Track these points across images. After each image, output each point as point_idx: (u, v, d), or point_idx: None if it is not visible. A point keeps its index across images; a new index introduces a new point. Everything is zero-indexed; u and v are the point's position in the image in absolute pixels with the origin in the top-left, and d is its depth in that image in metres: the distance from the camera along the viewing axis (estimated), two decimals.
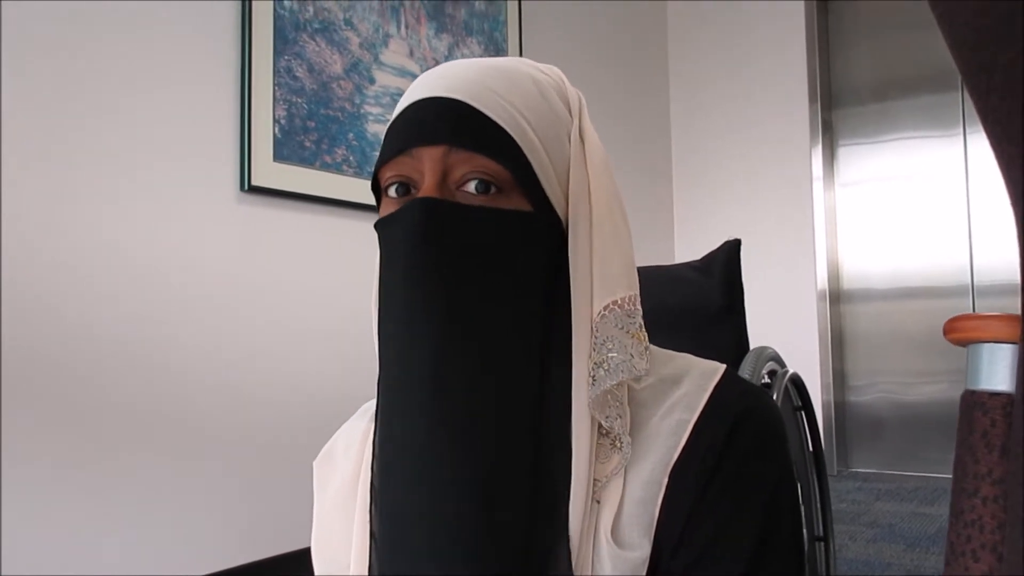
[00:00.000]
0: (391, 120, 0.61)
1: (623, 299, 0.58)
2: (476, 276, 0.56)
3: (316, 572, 0.67)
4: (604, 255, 0.59)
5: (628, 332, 0.58)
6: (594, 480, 0.56)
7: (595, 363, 0.57)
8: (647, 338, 0.60)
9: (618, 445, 0.57)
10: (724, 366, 0.62)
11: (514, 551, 0.54)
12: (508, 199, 0.57)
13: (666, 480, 0.56)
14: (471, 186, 0.56)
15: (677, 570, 0.55)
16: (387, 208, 0.61)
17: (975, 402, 0.47)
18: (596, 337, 0.57)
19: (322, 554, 0.66)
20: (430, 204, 0.56)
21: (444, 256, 0.56)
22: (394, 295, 0.59)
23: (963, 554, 0.46)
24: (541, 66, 0.65)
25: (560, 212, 0.60)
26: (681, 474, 0.56)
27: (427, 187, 0.57)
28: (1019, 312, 0.48)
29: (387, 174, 0.60)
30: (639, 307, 0.59)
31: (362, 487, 0.64)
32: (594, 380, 0.57)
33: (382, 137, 2.31)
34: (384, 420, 0.60)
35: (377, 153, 2.28)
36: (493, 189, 0.57)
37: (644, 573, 0.54)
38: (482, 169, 0.56)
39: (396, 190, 0.59)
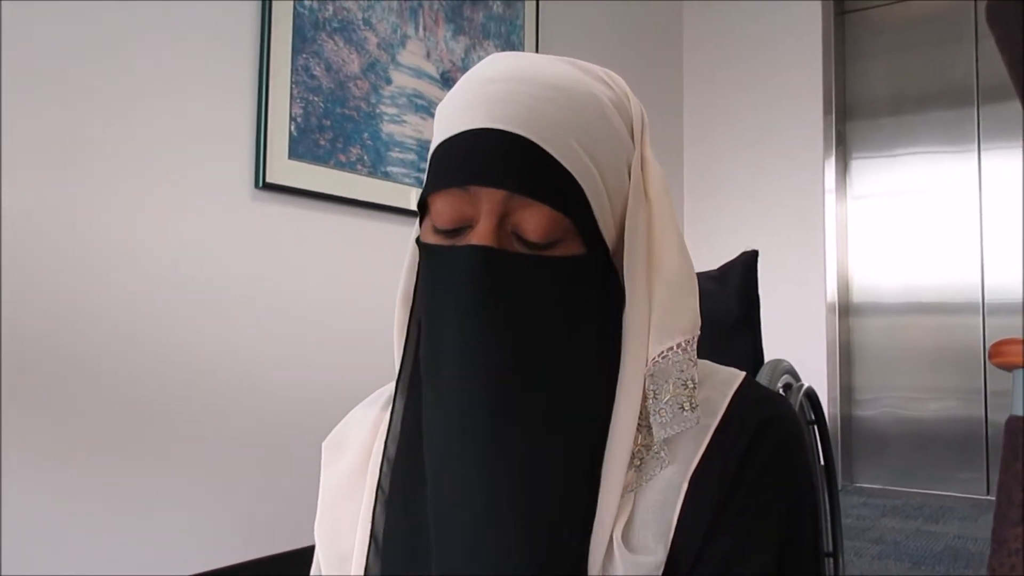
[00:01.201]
0: (443, 137, 0.57)
1: (685, 342, 0.57)
2: (531, 327, 0.55)
3: (318, 554, 0.67)
4: (665, 291, 0.57)
5: (684, 383, 0.56)
6: None
7: (667, 401, 0.56)
8: (697, 375, 0.58)
9: (635, 463, 0.56)
10: (744, 373, 0.62)
11: None
12: (565, 244, 0.55)
13: (686, 486, 0.55)
14: (527, 236, 0.54)
15: None
16: (434, 236, 0.58)
17: (1021, 429, 0.46)
18: (651, 383, 0.56)
19: (326, 538, 0.66)
20: (486, 254, 0.54)
21: (500, 308, 0.54)
22: (445, 336, 0.57)
23: None
24: (604, 74, 0.61)
25: (611, 244, 0.58)
26: (701, 482, 0.55)
27: (483, 232, 0.54)
28: None
29: (439, 205, 0.56)
30: (695, 345, 0.58)
31: (370, 479, 0.64)
32: (661, 421, 0.56)
33: (396, 138, 2.33)
34: (432, 463, 0.58)
35: (391, 153, 2.30)
36: (552, 237, 0.54)
37: None
38: (541, 217, 0.54)
39: (448, 224, 0.56)
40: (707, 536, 0.54)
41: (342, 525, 0.64)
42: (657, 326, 0.57)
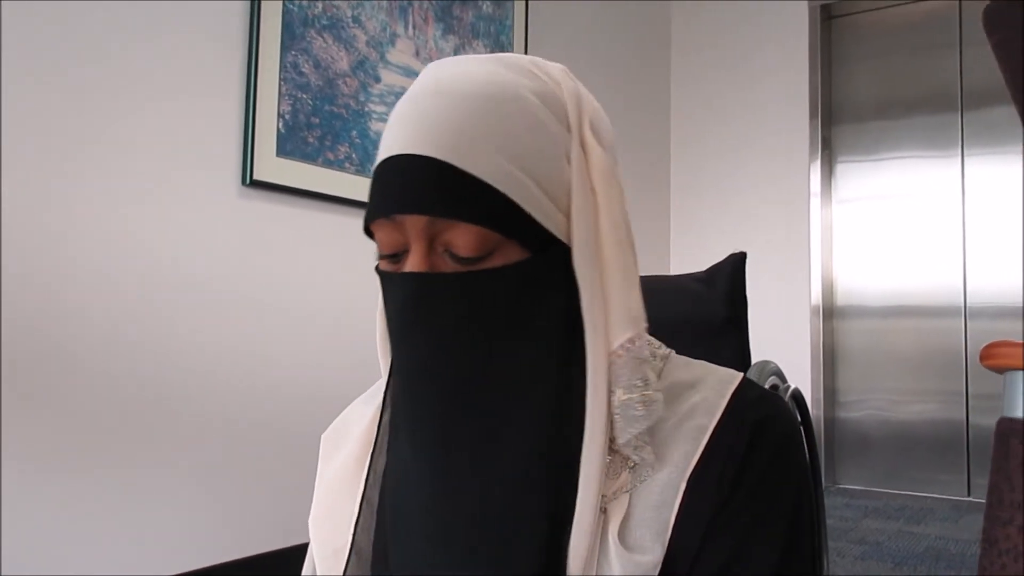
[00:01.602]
0: (377, 160, 0.58)
1: (636, 335, 0.56)
2: (471, 343, 0.56)
3: (312, 548, 0.67)
4: (618, 287, 0.57)
5: (643, 375, 0.56)
6: (602, 496, 0.56)
7: (621, 403, 0.55)
8: (662, 361, 0.59)
9: (630, 465, 0.56)
10: (741, 374, 0.62)
11: None
12: (501, 253, 0.55)
13: (684, 486, 0.55)
14: (458, 251, 0.54)
15: None
16: (381, 262, 0.60)
17: (1012, 430, 0.47)
18: (615, 376, 0.56)
19: (320, 532, 0.66)
20: (414, 280, 0.55)
21: (434, 331, 0.56)
22: (397, 361, 0.60)
23: None
24: (532, 66, 0.60)
25: (565, 237, 0.57)
26: (700, 481, 0.55)
27: (413, 260, 0.55)
28: None
29: (378, 233, 0.58)
30: (649, 342, 0.58)
31: (360, 488, 0.64)
32: (624, 420, 0.55)
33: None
34: (391, 485, 0.61)
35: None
36: (485, 250, 0.54)
37: None
38: (467, 234, 0.54)
39: (386, 250, 0.58)
40: (706, 536, 0.54)
41: (337, 520, 0.64)
42: (615, 319, 0.56)
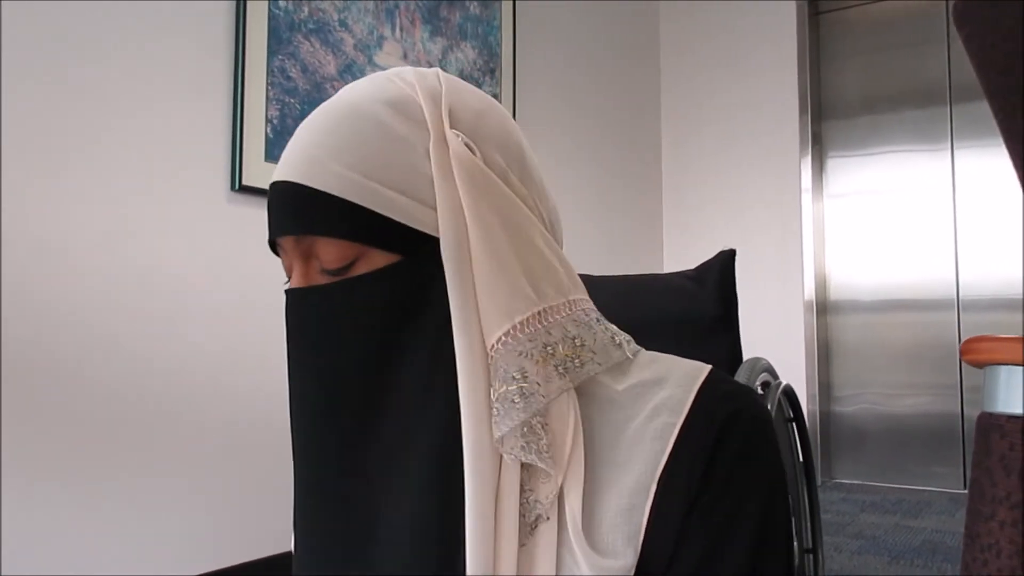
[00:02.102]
0: None
1: (521, 322, 0.55)
2: (343, 351, 0.58)
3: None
4: (488, 279, 0.56)
5: (530, 357, 0.55)
6: (535, 502, 0.54)
7: (497, 397, 0.54)
8: (562, 349, 0.57)
9: (548, 468, 0.55)
10: (709, 367, 0.61)
11: None
12: (369, 260, 0.57)
13: (654, 487, 0.54)
14: (326, 264, 0.58)
15: None
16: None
17: (993, 425, 0.46)
18: (494, 369, 0.55)
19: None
20: (292, 295, 0.60)
21: (308, 340, 0.59)
22: (289, 377, 0.62)
23: None
24: (391, 75, 0.61)
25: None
26: (670, 481, 0.54)
27: (294, 277, 0.60)
28: None
29: (280, 260, 0.63)
30: (546, 323, 0.57)
31: None
32: (498, 415, 0.54)
33: None
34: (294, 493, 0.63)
35: None
36: (347, 260, 0.57)
37: None
38: (327, 246, 0.57)
39: (287, 274, 0.62)
40: (679, 537, 0.54)
41: None
42: (488, 310, 0.56)
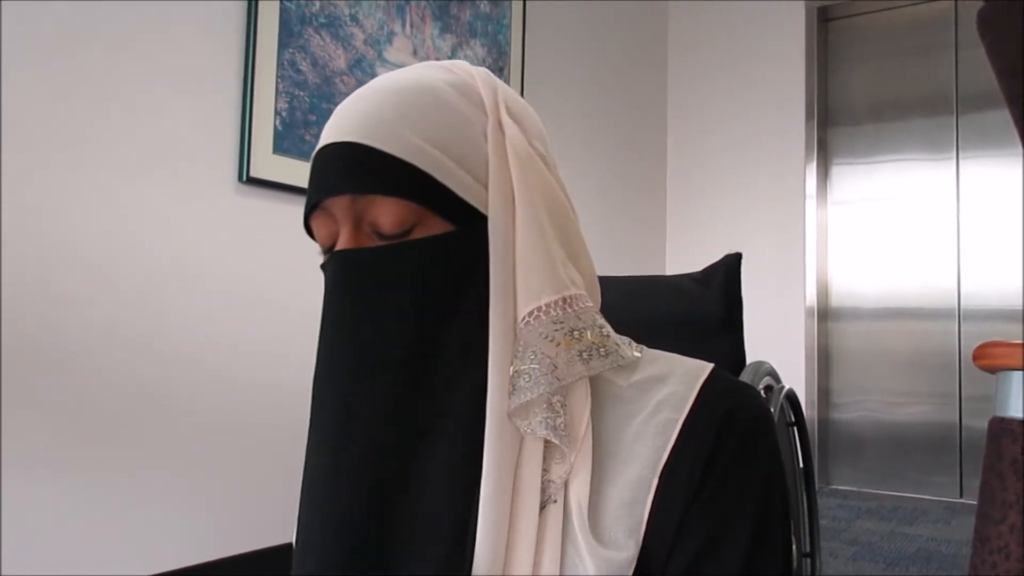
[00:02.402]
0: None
1: (549, 304, 0.57)
2: (393, 314, 0.57)
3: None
4: (527, 257, 0.57)
5: (552, 340, 0.56)
6: (548, 482, 0.55)
7: (515, 372, 0.56)
8: (590, 336, 0.58)
9: (563, 446, 0.56)
10: (712, 365, 0.62)
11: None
12: (423, 227, 0.57)
13: (655, 482, 0.55)
14: (381, 227, 0.57)
15: (675, 574, 0.54)
16: (322, 259, 0.63)
17: (1004, 430, 0.47)
18: (519, 346, 0.56)
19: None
20: (342, 256, 0.58)
21: (360, 304, 0.58)
22: (321, 343, 0.61)
23: None
24: (447, 64, 0.63)
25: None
26: (671, 476, 0.55)
27: (342, 239, 0.59)
28: None
29: (313, 229, 0.62)
30: (575, 308, 0.58)
31: None
32: (514, 390, 0.55)
33: None
34: (305, 458, 0.61)
35: None
36: (406, 224, 0.57)
37: (630, 574, 0.53)
38: (387, 208, 0.57)
39: (324, 243, 0.61)
40: (679, 531, 0.55)
41: None
42: (522, 288, 0.57)
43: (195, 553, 1.84)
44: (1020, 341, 0.49)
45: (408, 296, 0.57)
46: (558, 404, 0.56)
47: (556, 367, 0.56)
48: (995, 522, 0.47)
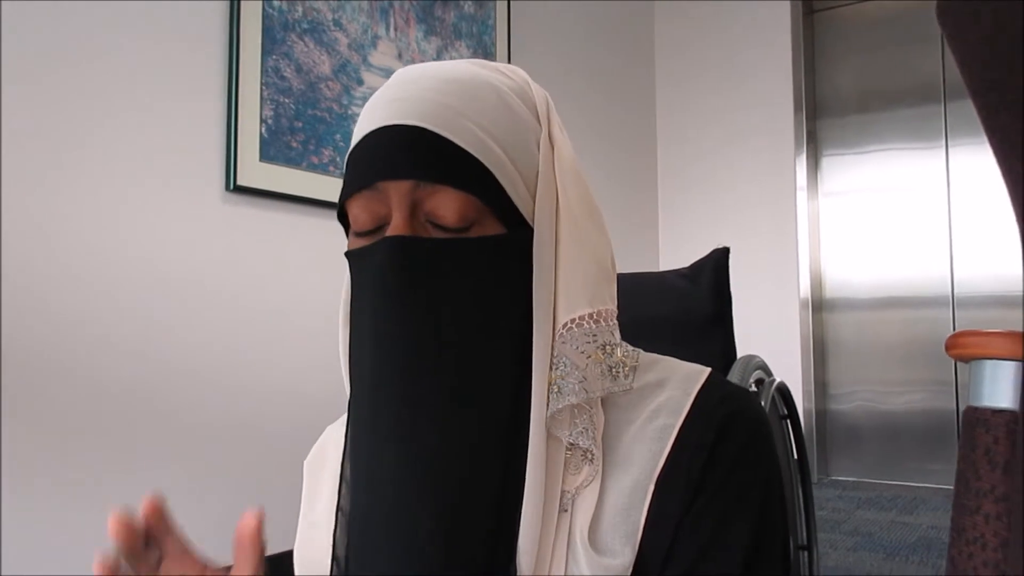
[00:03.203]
0: (352, 145, 0.59)
1: (582, 317, 0.57)
2: (448, 309, 0.56)
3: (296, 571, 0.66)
4: (567, 269, 0.57)
5: (584, 352, 0.56)
6: (563, 492, 0.55)
7: (552, 381, 0.56)
8: (620, 353, 0.58)
9: (588, 457, 0.56)
10: (709, 369, 0.62)
11: (470, 566, 0.54)
12: (480, 225, 0.56)
13: (652, 488, 0.55)
14: (440, 221, 0.55)
15: None
16: (357, 242, 0.59)
17: (978, 419, 0.47)
18: (555, 356, 0.56)
19: (304, 562, 0.65)
20: (399, 243, 0.55)
21: (415, 294, 0.55)
22: (365, 331, 0.58)
23: (965, 572, 0.46)
24: (503, 67, 0.62)
25: (531, 220, 0.59)
26: (667, 482, 0.55)
27: (396, 224, 0.55)
28: (1020, 328, 0.48)
29: (355, 210, 0.58)
30: (608, 323, 0.58)
31: (333, 501, 0.64)
32: (549, 398, 0.56)
33: None
34: (353, 454, 0.59)
35: None
36: (468, 220, 0.55)
37: None
38: (452, 201, 0.55)
39: (365, 225, 0.58)
40: (675, 537, 0.54)
41: (319, 545, 0.64)
42: (562, 299, 0.57)
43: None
44: (993, 330, 0.49)
45: (467, 293, 0.56)
46: (586, 416, 0.56)
47: (586, 379, 0.56)
48: (970, 512, 0.47)
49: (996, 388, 0.47)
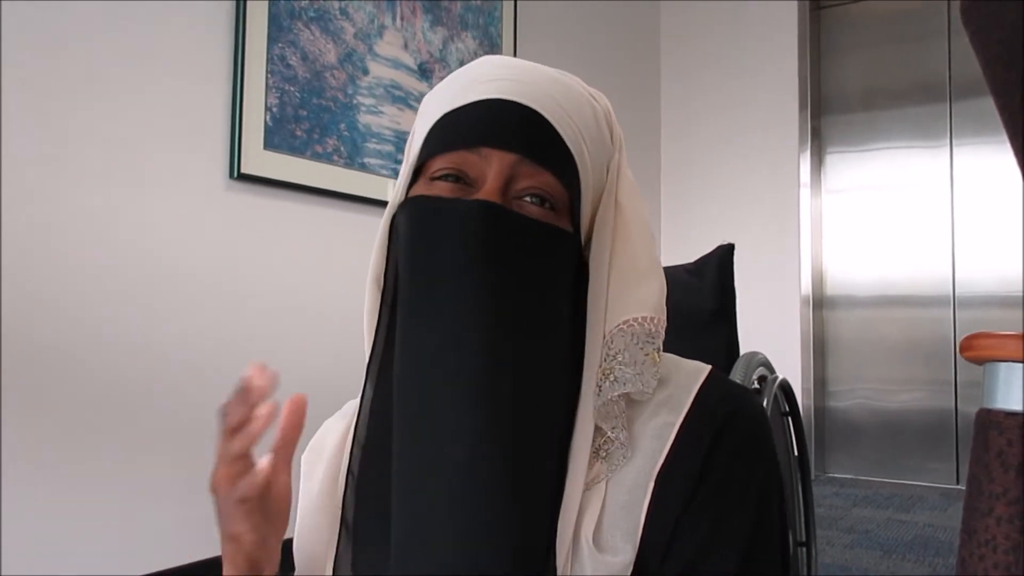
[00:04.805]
0: (444, 112, 0.59)
1: (644, 319, 0.58)
2: (522, 286, 0.56)
3: (296, 567, 0.66)
4: (623, 275, 0.60)
5: (643, 350, 0.58)
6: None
7: (603, 373, 0.57)
8: (661, 361, 0.60)
9: (602, 455, 0.57)
10: (709, 367, 0.62)
11: (536, 569, 0.54)
12: (558, 218, 0.58)
13: (652, 485, 0.55)
14: (532, 199, 0.57)
15: None
16: (429, 189, 0.58)
17: (991, 421, 0.47)
18: (608, 350, 0.58)
19: (303, 550, 0.65)
20: (493, 210, 0.55)
21: (498, 263, 0.55)
22: (433, 288, 0.56)
23: (975, 574, 0.46)
24: (592, 90, 0.65)
25: (583, 234, 0.61)
26: (667, 479, 0.55)
27: (490, 190, 0.56)
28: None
29: (441, 164, 0.58)
30: (662, 332, 0.59)
31: (342, 466, 0.64)
32: (600, 390, 0.57)
33: (373, 129, 2.31)
34: (404, 419, 0.57)
35: (368, 144, 2.28)
36: (549, 206, 0.57)
37: None
38: (546, 186, 0.57)
39: (448, 179, 0.58)
40: (674, 534, 0.55)
41: (315, 541, 0.64)
42: (613, 305, 0.59)
43: (192, 550, 1.84)
44: (1008, 332, 0.49)
45: (544, 275, 0.57)
46: (620, 411, 0.58)
47: (642, 372, 0.57)
48: (982, 514, 0.47)
49: (1010, 391, 0.47)
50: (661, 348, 0.59)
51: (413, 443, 0.56)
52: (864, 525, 2.76)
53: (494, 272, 0.55)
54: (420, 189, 0.59)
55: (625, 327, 0.58)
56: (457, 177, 0.58)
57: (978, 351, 0.49)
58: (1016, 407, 0.47)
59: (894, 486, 3.41)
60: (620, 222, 0.61)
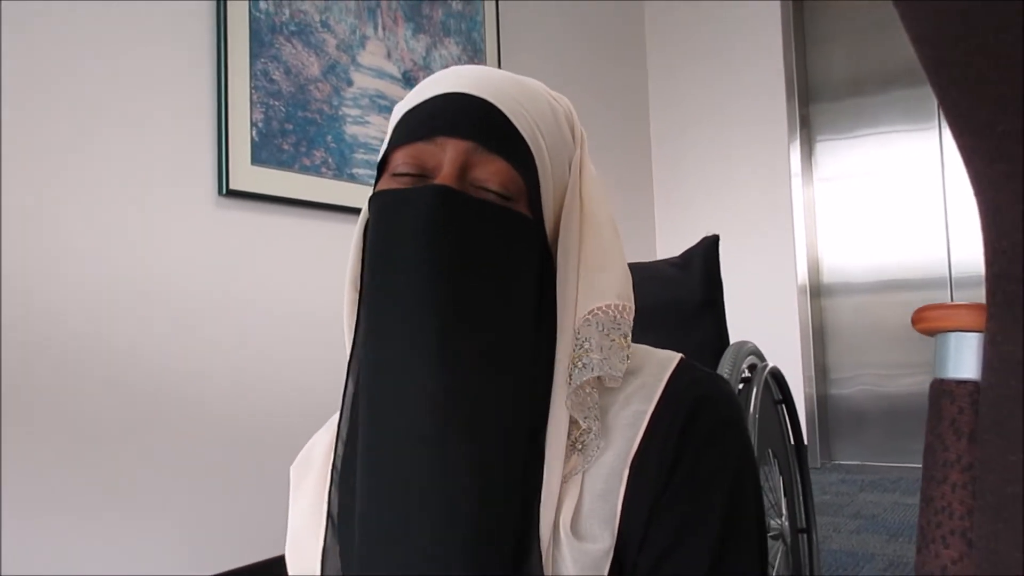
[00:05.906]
0: (406, 110, 0.62)
1: (608, 306, 0.59)
2: (481, 270, 0.57)
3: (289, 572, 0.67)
4: (591, 265, 0.61)
5: (610, 336, 0.59)
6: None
7: (573, 362, 0.58)
8: (629, 347, 0.61)
9: (578, 447, 0.58)
10: (680, 355, 0.64)
11: (505, 552, 0.54)
12: (515, 205, 0.59)
13: (627, 472, 0.56)
14: (488, 186, 0.58)
15: (645, 564, 0.55)
16: (393, 182, 0.60)
17: (943, 390, 0.48)
18: (578, 338, 0.59)
19: (295, 563, 0.66)
20: (446, 192, 0.56)
21: (454, 247, 0.56)
22: (391, 273, 0.57)
23: (933, 540, 0.47)
24: (554, 93, 0.67)
25: (548, 228, 0.62)
26: (641, 466, 0.57)
27: (446, 176, 0.57)
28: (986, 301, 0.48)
29: (401, 158, 0.60)
30: (628, 319, 0.60)
31: (328, 464, 0.65)
32: (571, 378, 0.58)
33: (360, 139, 2.32)
34: (371, 407, 0.57)
35: (356, 155, 2.29)
36: (505, 193, 0.59)
37: (607, 565, 0.54)
38: (501, 173, 0.58)
39: (408, 172, 0.60)
40: (650, 518, 0.55)
41: (306, 549, 0.64)
42: (583, 296, 0.60)
43: (194, 565, 1.84)
44: (956, 303, 0.50)
45: (502, 259, 0.58)
46: (592, 399, 0.59)
47: (609, 358, 0.58)
48: (938, 482, 0.48)
49: (960, 359, 0.48)
50: (628, 335, 0.60)
51: (373, 423, 0.57)
52: (871, 510, 2.76)
53: (448, 252, 0.55)
54: (383, 185, 0.62)
55: (591, 316, 0.59)
56: (418, 173, 0.59)
57: (929, 323, 0.50)
58: (967, 375, 0.48)
59: (900, 470, 3.41)
60: (586, 215, 0.63)
